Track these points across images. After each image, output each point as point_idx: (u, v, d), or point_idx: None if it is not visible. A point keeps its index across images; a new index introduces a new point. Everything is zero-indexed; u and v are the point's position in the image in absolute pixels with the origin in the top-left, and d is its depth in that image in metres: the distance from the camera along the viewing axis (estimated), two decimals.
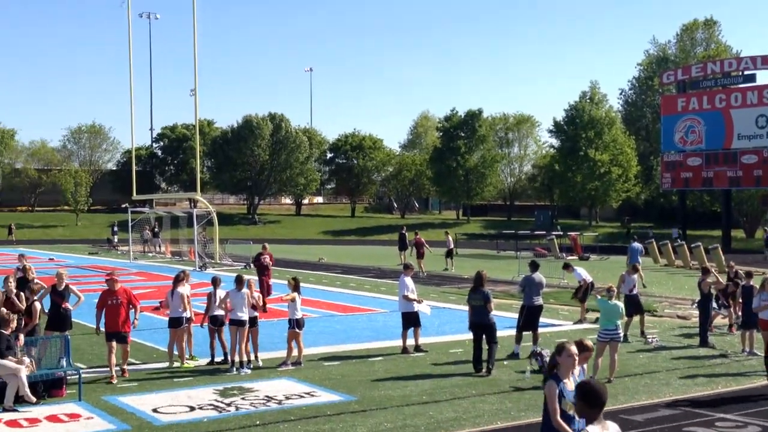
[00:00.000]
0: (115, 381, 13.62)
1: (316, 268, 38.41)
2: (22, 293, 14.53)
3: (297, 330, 15.13)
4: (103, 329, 14.24)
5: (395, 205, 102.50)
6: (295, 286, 15.49)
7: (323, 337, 18.55)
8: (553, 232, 50.62)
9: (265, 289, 23.24)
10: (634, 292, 18.72)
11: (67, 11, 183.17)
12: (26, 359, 12.33)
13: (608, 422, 5.59)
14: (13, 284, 14.78)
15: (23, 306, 14.26)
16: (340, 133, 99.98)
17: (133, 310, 14.39)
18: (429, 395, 12.89)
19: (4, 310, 12.92)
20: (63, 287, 14.76)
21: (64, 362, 13.18)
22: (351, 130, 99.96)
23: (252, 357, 15.16)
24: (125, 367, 14.21)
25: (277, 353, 15.91)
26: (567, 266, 22.46)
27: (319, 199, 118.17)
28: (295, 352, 15.20)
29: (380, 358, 16.02)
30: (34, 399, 12.04)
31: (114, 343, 13.96)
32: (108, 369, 13.96)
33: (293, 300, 15.26)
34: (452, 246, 39.36)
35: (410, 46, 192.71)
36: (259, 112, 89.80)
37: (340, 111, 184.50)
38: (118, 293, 14.21)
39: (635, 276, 19.02)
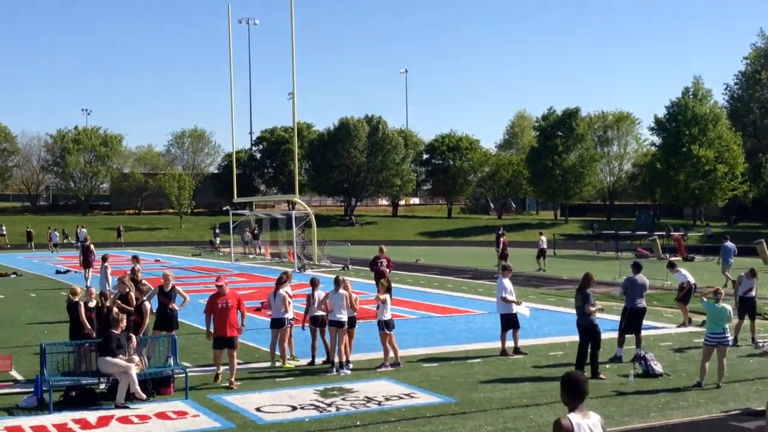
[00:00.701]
0: (219, 381, 13.89)
1: (413, 269, 38.49)
2: (131, 293, 15.04)
3: (387, 331, 15.24)
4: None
5: (492, 206, 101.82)
6: (387, 288, 15.62)
7: (421, 338, 18.56)
8: (655, 232, 49.35)
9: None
10: (751, 294, 18.07)
11: (170, 21, 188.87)
12: (136, 357, 12.75)
13: (590, 412, 5.71)
14: (128, 284, 15.31)
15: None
16: (437, 134, 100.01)
17: (240, 315, 14.19)
18: (529, 398, 12.74)
19: (115, 309, 13.39)
20: (169, 288, 15.20)
21: (171, 361, 13.58)
22: (447, 130, 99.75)
23: (343, 358, 15.13)
24: (233, 379, 13.73)
25: (375, 354, 15.99)
26: (672, 265, 21.91)
27: (416, 200, 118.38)
28: (391, 354, 15.26)
29: (479, 359, 15.93)
30: (144, 396, 12.44)
31: (222, 350, 13.87)
32: (215, 368, 14.24)
33: (384, 302, 15.39)
34: (544, 246, 38.86)
35: (506, 45, 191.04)
36: (355, 114, 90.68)
37: (436, 112, 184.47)
38: (228, 297, 14.04)
39: (754, 279, 18.31)
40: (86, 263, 32.07)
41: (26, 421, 11.42)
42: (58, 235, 58.72)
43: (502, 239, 36.58)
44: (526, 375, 14.47)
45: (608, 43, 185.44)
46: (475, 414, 11.82)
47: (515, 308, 16.56)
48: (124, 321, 13.21)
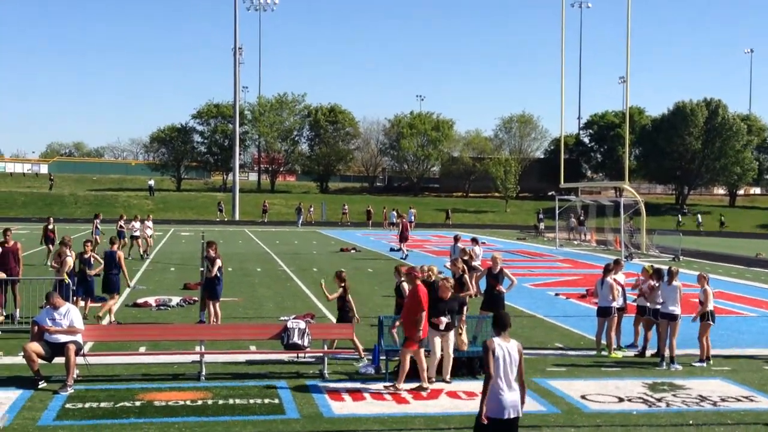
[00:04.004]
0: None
1: (751, 263, 35.74)
2: (465, 276, 15.51)
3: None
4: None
5: None
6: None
7: (763, 337, 17.16)
8: None
9: None
10: None
11: (499, 7, 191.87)
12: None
13: (511, 339, 7.92)
14: (460, 266, 15.80)
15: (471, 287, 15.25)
16: None
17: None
18: None
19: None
20: (497, 270, 15.45)
21: None
22: None
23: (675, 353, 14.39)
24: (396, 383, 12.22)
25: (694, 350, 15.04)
26: None
27: (757, 190, 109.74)
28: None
29: None
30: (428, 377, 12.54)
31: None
32: (537, 351, 14.21)
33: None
34: None
35: None
36: (692, 98, 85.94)
37: None
38: (410, 292, 12.61)
39: None
40: (403, 238, 34.72)
41: (365, 387, 12.25)
42: (395, 214, 61.93)
43: None
44: None
45: None
46: None
47: None
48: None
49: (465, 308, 13.46)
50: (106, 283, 17.10)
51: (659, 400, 11.90)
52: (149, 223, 33.44)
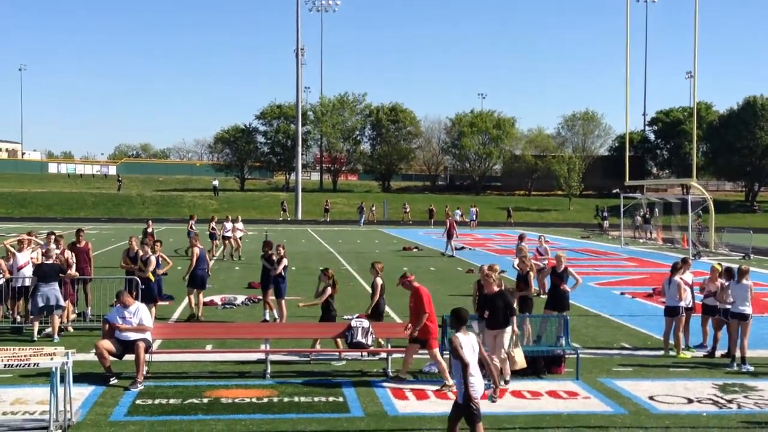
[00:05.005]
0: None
1: None
2: (531, 273, 15.41)
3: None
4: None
5: None
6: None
7: None
8: None
9: None
10: None
11: (568, 2, 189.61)
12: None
13: (470, 332, 8.93)
14: (529, 264, 15.69)
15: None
16: None
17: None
18: None
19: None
20: (562, 269, 15.28)
21: (563, 341, 13.66)
22: None
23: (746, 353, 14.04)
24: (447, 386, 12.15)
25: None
26: None
27: None
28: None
29: None
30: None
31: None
32: (603, 351, 14.04)
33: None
34: None
35: None
36: (764, 93, 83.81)
37: None
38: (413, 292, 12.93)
39: None
40: (449, 235, 36.28)
41: (429, 387, 12.25)
42: (459, 213, 61.84)
43: None
44: None
45: None
46: None
47: None
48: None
49: (516, 310, 12.87)
50: (192, 278, 17.84)
51: (730, 401, 11.64)
52: (239, 225, 33.80)
